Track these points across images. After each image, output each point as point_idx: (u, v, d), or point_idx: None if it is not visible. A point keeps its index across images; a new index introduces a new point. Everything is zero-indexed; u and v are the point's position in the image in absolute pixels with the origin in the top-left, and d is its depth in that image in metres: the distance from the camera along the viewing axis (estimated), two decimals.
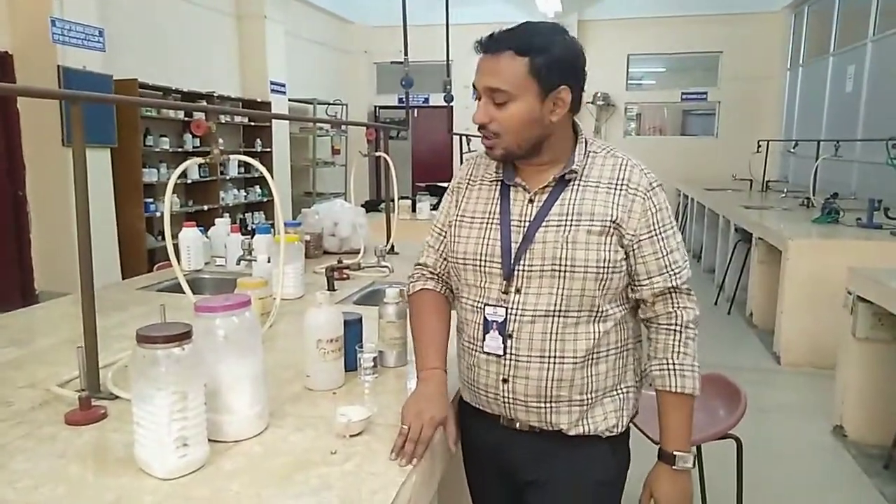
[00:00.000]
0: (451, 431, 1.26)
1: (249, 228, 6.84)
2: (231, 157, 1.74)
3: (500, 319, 1.24)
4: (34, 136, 5.43)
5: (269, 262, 2.21)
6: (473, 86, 1.23)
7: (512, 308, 1.23)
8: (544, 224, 1.23)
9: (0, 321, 2.01)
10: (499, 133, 1.22)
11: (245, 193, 8.15)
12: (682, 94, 10.95)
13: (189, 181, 7.06)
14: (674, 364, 1.26)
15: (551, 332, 1.22)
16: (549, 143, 1.25)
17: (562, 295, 1.21)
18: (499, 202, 1.29)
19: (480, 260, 1.27)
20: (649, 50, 10.79)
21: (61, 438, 1.16)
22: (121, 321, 1.95)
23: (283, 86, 8.86)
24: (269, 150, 8.46)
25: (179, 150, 6.83)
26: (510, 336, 1.23)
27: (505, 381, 1.25)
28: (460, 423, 1.37)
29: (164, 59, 6.94)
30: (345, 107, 10.21)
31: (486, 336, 1.25)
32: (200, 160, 1.65)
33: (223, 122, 7.68)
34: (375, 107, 11.73)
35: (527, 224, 1.24)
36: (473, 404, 1.35)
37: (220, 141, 1.64)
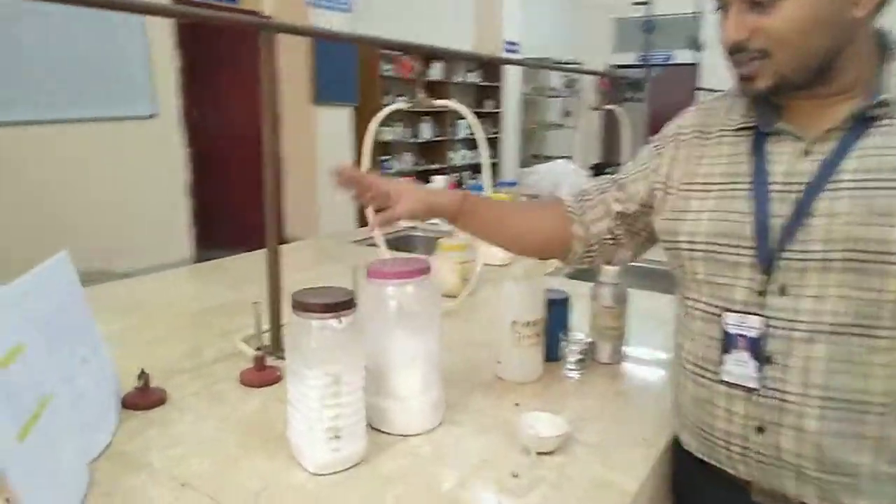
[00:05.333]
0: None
1: (463, 187, 6.88)
2: (437, 102, 1.56)
3: (754, 334, 0.82)
4: (288, 95, 5.91)
5: None
6: None
7: (775, 318, 0.81)
8: (831, 186, 0.79)
9: (226, 263, 2.10)
10: (768, 50, 0.79)
11: (473, 154, 8.20)
12: None
13: (421, 140, 7.28)
14: None
15: (843, 360, 0.78)
16: (844, 60, 0.80)
17: (862, 300, 0.76)
18: (750, 160, 0.86)
19: (720, 244, 0.86)
20: None
21: (229, 401, 1.07)
22: (328, 273, 1.89)
23: (517, 44, 8.69)
24: (498, 110, 8.42)
25: (416, 109, 7.02)
26: (769, 360, 0.82)
27: (760, 429, 0.84)
28: (683, 481, 1.00)
29: (403, 19, 7.14)
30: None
31: (726, 357, 0.85)
32: (402, 105, 1.50)
33: (456, 82, 7.77)
34: (611, 66, 11.07)
35: (800, 189, 0.81)
36: (705, 458, 0.93)
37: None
